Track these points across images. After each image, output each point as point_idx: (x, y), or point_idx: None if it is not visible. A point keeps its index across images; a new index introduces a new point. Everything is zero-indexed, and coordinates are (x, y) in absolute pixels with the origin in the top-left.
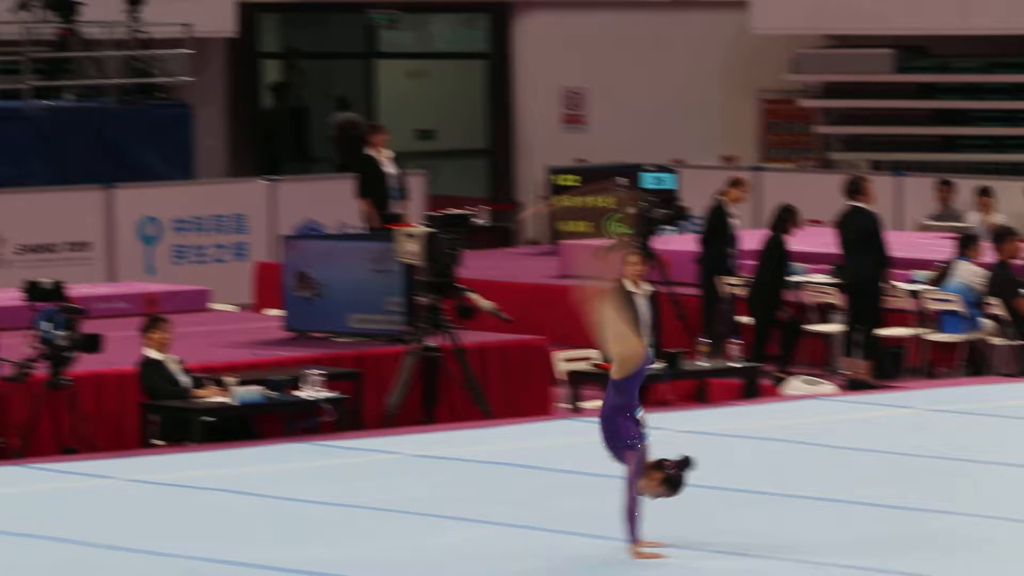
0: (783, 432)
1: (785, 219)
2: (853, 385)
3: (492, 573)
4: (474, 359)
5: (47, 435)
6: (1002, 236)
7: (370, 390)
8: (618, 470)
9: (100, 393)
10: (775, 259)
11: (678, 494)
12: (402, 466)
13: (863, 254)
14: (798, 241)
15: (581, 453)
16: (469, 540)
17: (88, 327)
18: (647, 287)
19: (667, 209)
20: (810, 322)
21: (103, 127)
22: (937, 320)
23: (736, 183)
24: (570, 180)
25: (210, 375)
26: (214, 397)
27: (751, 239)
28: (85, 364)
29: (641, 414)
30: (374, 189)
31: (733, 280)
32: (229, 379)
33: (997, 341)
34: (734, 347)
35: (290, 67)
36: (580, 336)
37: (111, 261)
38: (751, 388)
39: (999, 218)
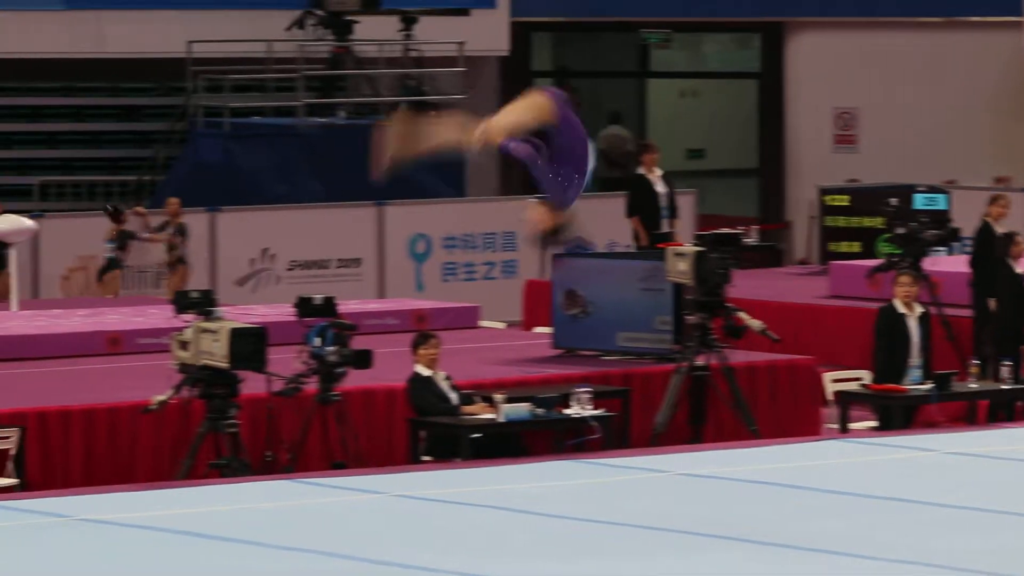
0: None
1: (1007, 244)
2: None
3: None
4: (742, 378)
5: (316, 450)
6: None
7: (638, 408)
8: (890, 492)
9: (369, 408)
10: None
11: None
12: (669, 485)
13: None
14: None
15: (849, 474)
16: (736, 560)
17: (358, 343)
18: (918, 308)
19: (939, 230)
20: None
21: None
22: None
23: (994, 200)
24: (841, 200)
25: (479, 392)
26: (482, 414)
27: None
28: (355, 380)
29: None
30: (644, 208)
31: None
32: (497, 396)
33: None
34: (1006, 368)
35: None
36: (850, 356)
37: (381, 277)
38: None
39: None
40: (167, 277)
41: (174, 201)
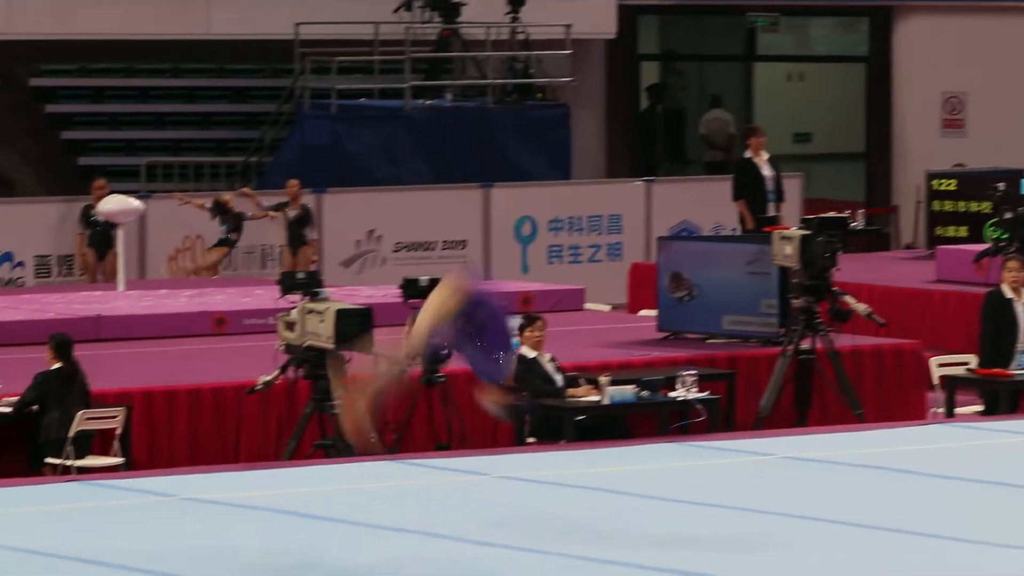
0: None
1: None
2: None
3: None
4: (848, 362)
5: (421, 431)
6: None
7: (743, 392)
8: (995, 477)
9: (474, 390)
10: None
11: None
12: (774, 468)
13: None
14: None
15: (954, 458)
16: (840, 543)
17: None
18: None
19: None
20: None
21: (482, 127)
22: None
23: None
24: (948, 185)
25: (584, 374)
26: (587, 396)
27: None
28: (460, 361)
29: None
30: (750, 191)
31: None
32: (602, 378)
33: None
34: None
35: (668, 69)
36: (956, 341)
37: (487, 259)
38: None
39: None
40: (285, 257)
41: (294, 183)
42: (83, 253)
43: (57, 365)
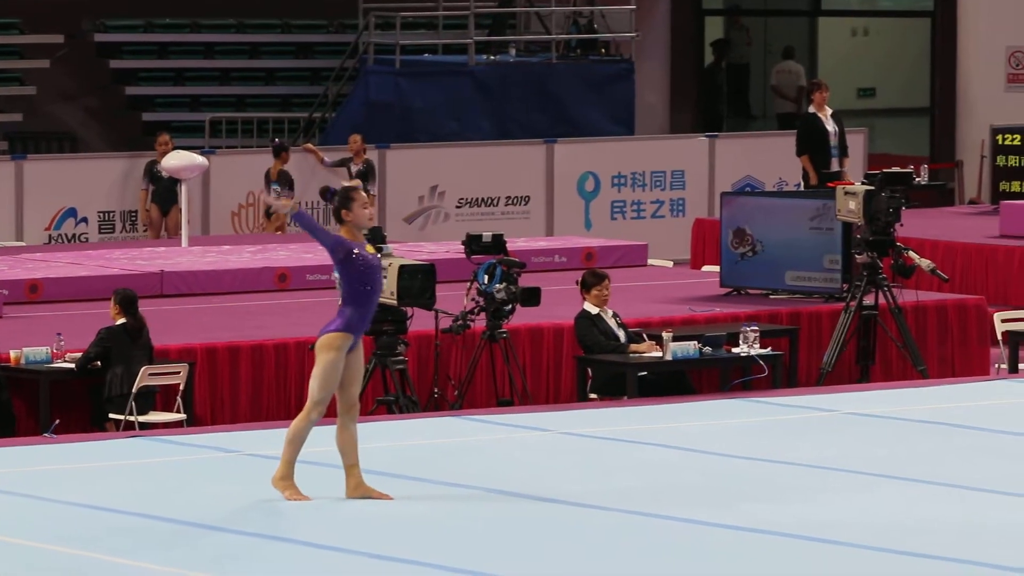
0: None
1: None
2: None
3: (926, 532)
4: (911, 318)
5: (484, 387)
6: None
7: (805, 347)
8: None
9: (537, 346)
10: None
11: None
12: (837, 424)
13: None
14: None
15: (1017, 414)
16: (903, 499)
17: (527, 280)
18: None
19: None
20: None
21: (545, 82)
22: None
23: None
24: (1013, 140)
25: (646, 330)
26: (650, 352)
27: None
28: (523, 317)
29: None
30: (814, 146)
31: None
32: (665, 334)
33: None
34: None
35: (732, 24)
36: (1019, 296)
37: (550, 215)
38: None
39: None
40: None
41: (356, 138)
42: (147, 209)
43: (121, 320)
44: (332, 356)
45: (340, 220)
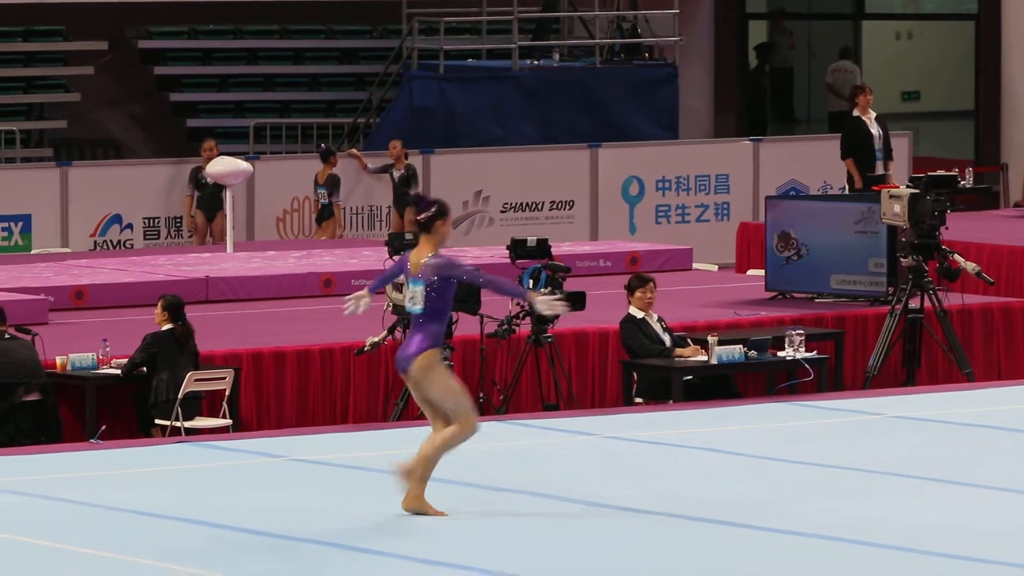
0: None
1: None
2: None
3: (972, 535)
4: (957, 321)
5: (529, 391)
6: None
7: (851, 351)
8: None
9: (582, 350)
10: None
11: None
12: (883, 427)
13: None
14: None
15: None
16: (949, 502)
17: (572, 285)
18: None
19: None
20: None
21: (589, 87)
22: None
23: None
24: None
25: (691, 334)
26: (695, 356)
27: None
28: (568, 321)
29: None
30: (858, 150)
31: None
32: (710, 338)
33: None
34: None
35: (776, 27)
36: None
37: (594, 219)
38: None
39: None
40: (393, 217)
41: (396, 143)
42: (192, 215)
43: (168, 326)
44: (440, 369)
45: (428, 231)
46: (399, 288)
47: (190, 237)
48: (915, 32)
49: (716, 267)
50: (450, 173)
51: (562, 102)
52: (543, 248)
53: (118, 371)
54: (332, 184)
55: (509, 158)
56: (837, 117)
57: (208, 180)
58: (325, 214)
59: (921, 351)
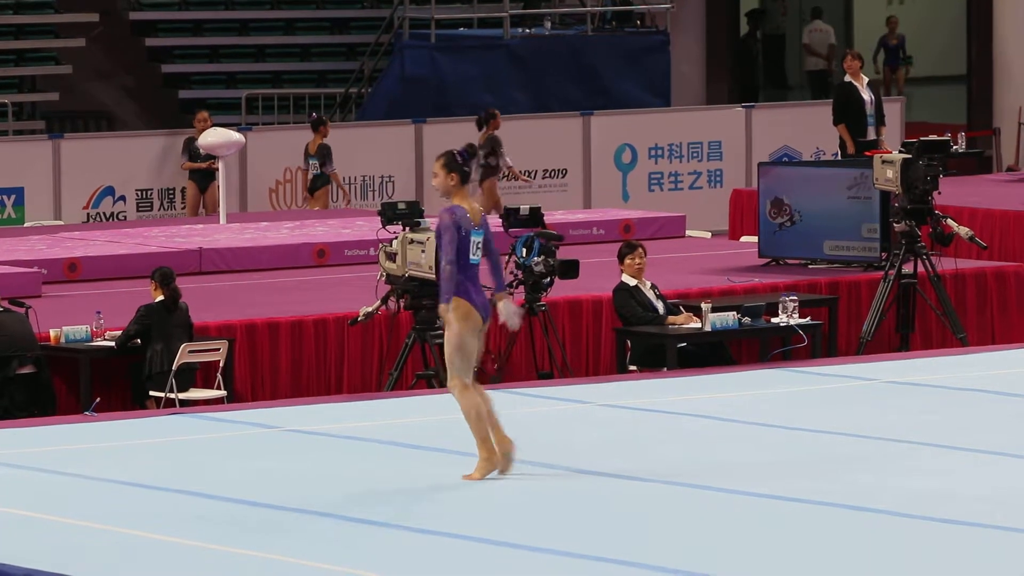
0: None
1: None
2: None
3: (968, 500)
4: (950, 286)
5: (523, 360)
6: None
7: (844, 317)
8: None
9: (576, 318)
10: None
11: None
12: (877, 393)
13: None
14: None
15: None
16: (944, 467)
17: (565, 253)
18: None
19: None
20: None
21: (581, 55)
22: None
23: None
24: None
25: (685, 301)
26: (689, 323)
27: None
28: (561, 289)
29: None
30: (850, 115)
31: None
32: (704, 305)
33: None
34: None
35: None
36: None
37: (587, 188)
38: None
39: None
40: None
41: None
42: (184, 186)
43: (160, 298)
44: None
45: (467, 181)
46: (392, 257)
47: (183, 208)
48: None
49: (709, 234)
50: (443, 142)
51: (554, 70)
52: (536, 217)
53: (112, 343)
54: (324, 154)
55: (501, 127)
56: (815, 76)
57: (201, 151)
58: (317, 184)
59: (915, 316)
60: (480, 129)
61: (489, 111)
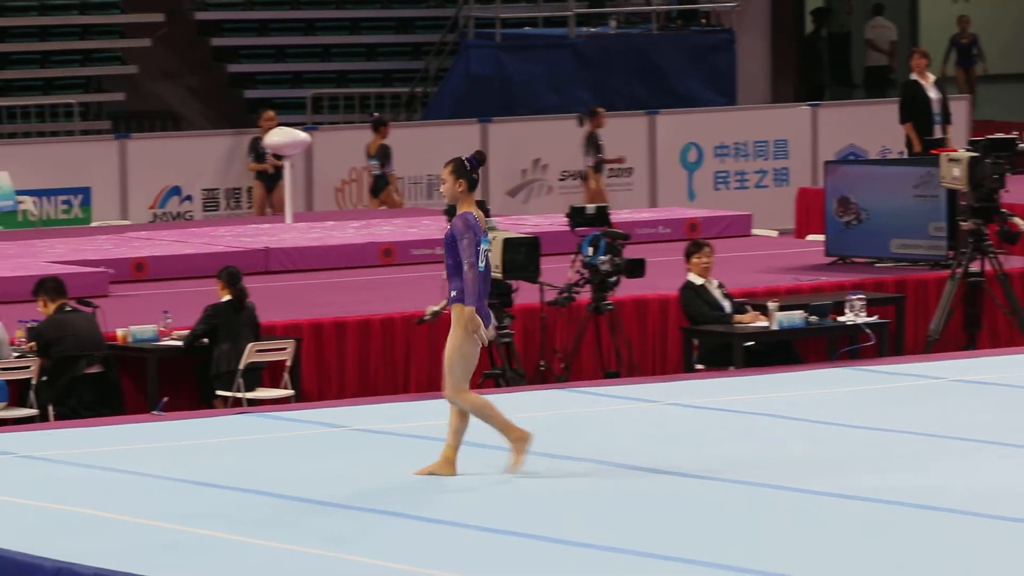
0: None
1: None
2: None
3: None
4: (1018, 284)
5: (590, 359)
6: None
7: (912, 315)
8: None
9: (642, 317)
10: None
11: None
12: (944, 391)
13: None
14: None
15: None
16: (1010, 466)
17: (631, 252)
18: None
19: None
20: None
21: (646, 54)
22: None
23: None
24: None
25: (752, 300)
26: (755, 322)
27: None
28: (628, 288)
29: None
30: (917, 114)
31: None
32: (771, 304)
33: None
34: None
35: None
36: None
37: (653, 186)
38: None
39: None
40: None
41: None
42: (251, 185)
43: (227, 297)
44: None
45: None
46: None
47: (249, 208)
48: None
49: (776, 233)
50: (508, 142)
51: (619, 69)
52: (602, 215)
53: (179, 343)
54: (384, 155)
55: (567, 126)
56: (875, 71)
57: (267, 151)
58: (379, 185)
59: (982, 315)
60: (581, 125)
61: (592, 108)
